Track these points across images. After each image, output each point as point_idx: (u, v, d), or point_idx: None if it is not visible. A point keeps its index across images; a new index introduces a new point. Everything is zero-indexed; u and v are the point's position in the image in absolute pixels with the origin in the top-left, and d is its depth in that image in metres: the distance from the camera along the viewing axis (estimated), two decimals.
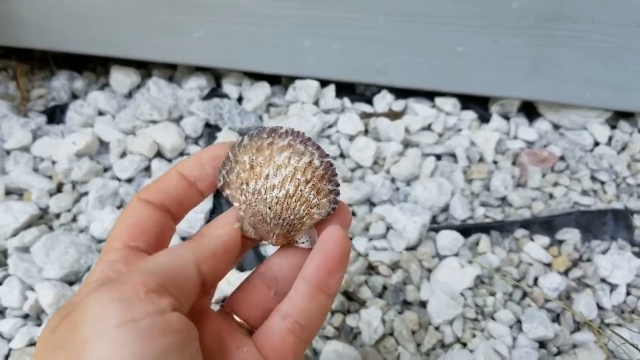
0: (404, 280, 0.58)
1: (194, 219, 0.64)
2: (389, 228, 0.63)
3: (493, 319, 0.56)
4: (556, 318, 0.56)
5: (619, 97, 0.69)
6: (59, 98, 0.82)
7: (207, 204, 0.65)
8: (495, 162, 0.71)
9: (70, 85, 0.84)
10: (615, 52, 0.65)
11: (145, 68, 0.86)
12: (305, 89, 0.76)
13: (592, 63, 0.67)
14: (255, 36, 0.73)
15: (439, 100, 0.75)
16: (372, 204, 0.66)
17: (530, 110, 0.76)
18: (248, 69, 0.76)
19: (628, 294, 0.59)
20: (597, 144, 0.72)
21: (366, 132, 0.74)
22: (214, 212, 0.66)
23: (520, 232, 0.62)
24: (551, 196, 0.67)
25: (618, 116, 0.73)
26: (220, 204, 0.65)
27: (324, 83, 0.78)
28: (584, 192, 0.67)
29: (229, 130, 0.72)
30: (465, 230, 0.63)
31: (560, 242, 0.62)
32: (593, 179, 0.68)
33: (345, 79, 0.75)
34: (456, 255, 0.60)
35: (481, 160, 0.71)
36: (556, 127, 0.74)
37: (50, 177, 0.71)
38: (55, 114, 0.80)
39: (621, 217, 0.64)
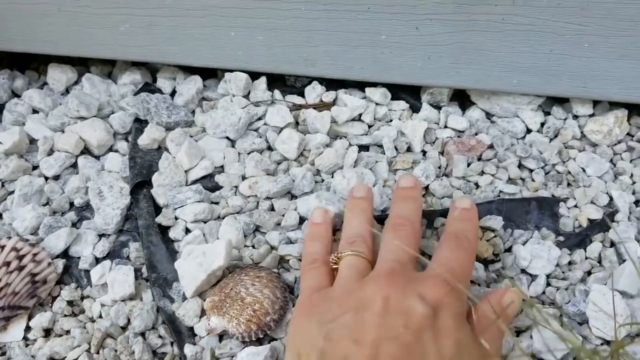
0: None
1: (109, 215, 0.63)
2: (304, 219, 0.61)
3: None
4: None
5: (547, 81, 0.67)
6: None
7: (124, 200, 0.64)
8: (424, 152, 0.69)
9: (11, 85, 0.83)
10: (539, 35, 0.63)
11: (84, 64, 0.85)
12: (235, 81, 0.75)
13: (516, 47, 0.65)
14: (180, 29, 0.72)
15: (368, 91, 0.73)
16: (294, 197, 0.65)
17: (463, 99, 0.74)
18: (176, 62, 0.75)
19: (548, 284, 0.58)
20: (529, 131, 0.70)
21: (297, 124, 0.73)
22: (130, 209, 0.65)
23: (440, 221, 0.61)
24: (477, 185, 0.65)
25: (552, 102, 0.72)
26: (137, 199, 0.64)
27: (255, 75, 0.76)
28: (511, 180, 0.65)
29: (155, 125, 0.71)
30: (384, 219, 0.61)
31: (484, 230, 0.61)
32: (521, 166, 0.66)
33: (275, 71, 0.74)
34: None
35: (409, 150, 0.69)
36: (489, 115, 0.72)
37: None
38: None
39: (546, 205, 0.62)
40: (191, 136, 0.72)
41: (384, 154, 0.68)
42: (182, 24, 0.71)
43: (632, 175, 0.66)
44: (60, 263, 0.61)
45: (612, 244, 0.60)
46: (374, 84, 0.74)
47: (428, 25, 0.66)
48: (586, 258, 0.59)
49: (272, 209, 0.63)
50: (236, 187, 0.65)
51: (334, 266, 0.50)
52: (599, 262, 0.59)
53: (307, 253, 0.54)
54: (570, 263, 0.59)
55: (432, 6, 0.64)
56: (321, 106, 0.73)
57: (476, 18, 0.64)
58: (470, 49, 0.66)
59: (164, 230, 0.62)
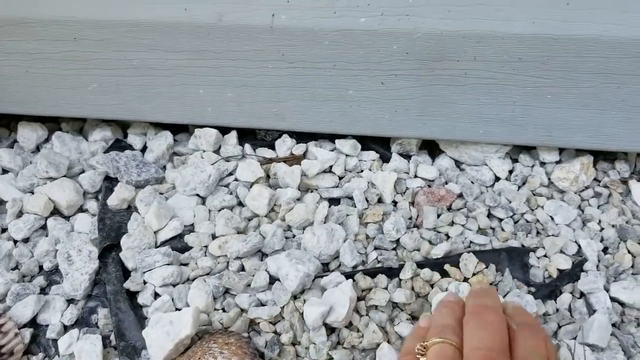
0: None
1: (77, 281, 0.62)
2: (275, 279, 0.61)
3: None
4: None
5: (513, 131, 0.68)
6: None
7: (92, 264, 0.64)
8: (395, 203, 0.69)
9: None
10: (502, 88, 0.64)
11: (55, 121, 0.85)
12: (205, 136, 0.75)
13: (480, 99, 0.66)
14: (148, 87, 0.72)
15: (338, 142, 0.74)
16: (265, 255, 0.65)
17: (432, 147, 0.75)
18: (145, 119, 0.76)
19: None
20: (497, 179, 0.71)
21: (268, 177, 0.73)
22: (99, 274, 0.64)
23: (409, 275, 0.61)
24: (447, 236, 0.65)
25: (519, 149, 0.72)
26: (105, 263, 0.64)
27: (226, 130, 0.77)
28: (481, 231, 0.65)
29: (125, 185, 0.71)
30: (353, 277, 0.61)
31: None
32: (490, 216, 0.67)
33: (245, 125, 0.74)
34: None
35: (380, 201, 0.69)
36: (458, 163, 0.73)
37: None
38: None
39: (516, 256, 0.62)
40: (161, 193, 0.71)
41: (355, 206, 0.68)
42: (150, 83, 0.72)
43: (600, 221, 0.66)
44: (27, 333, 0.60)
45: (582, 295, 0.60)
46: (343, 136, 0.75)
47: (393, 80, 0.66)
48: (557, 310, 0.59)
49: (242, 269, 0.63)
50: (206, 247, 0.65)
51: (420, 358, 0.44)
52: (570, 313, 0.59)
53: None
54: (545, 314, 0.59)
55: (396, 63, 0.65)
56: (292, 159, 0.73)
57: (440, 73, 0.65)
58: (436, 102, 0.67)
59: (132, 295, 0.61)
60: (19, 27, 0.69)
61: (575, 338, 0.56)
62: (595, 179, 0.70)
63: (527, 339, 0.43)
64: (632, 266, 0.62)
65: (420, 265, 0.61)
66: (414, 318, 0.59)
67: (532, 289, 0.60)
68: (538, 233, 0.65)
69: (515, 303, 0.51)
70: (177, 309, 0.59)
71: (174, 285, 0.61)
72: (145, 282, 0.62)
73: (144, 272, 0.62)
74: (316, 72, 0.68)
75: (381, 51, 0.64)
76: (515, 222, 0.66)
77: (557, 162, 0.70)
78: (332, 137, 0.75)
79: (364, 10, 0.63)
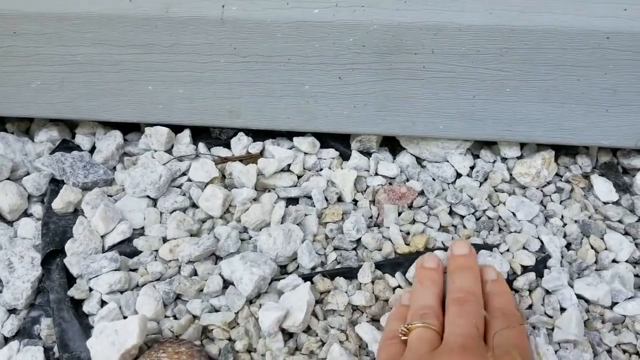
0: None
1: (19, 289, 0.58)
2: (230, 283, 0.58)
3: None
4: None
5: (473, 126, 0.66)
6: None
7: (35, 271, 0.60)
8: (355, 202, 0.67)
9: None
10: (461, 81, 0.63)
11: (0, 122, 0.80)
12: (156, 135, 0.71)
13: (439, 94, 0.64)
14: (94, 84, 0.68)
15: (296, 140, 0.71)
16: (219, 258, 0.62)
17: (393, 144, 0.73)
18: (93, 118, 0.72)
19: None
20: (459, 175, 0.69)
21: (223, 177, 0.70)
22: (42, 281, 0.60)
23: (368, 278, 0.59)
24: (408, 234, 0.63)
25: (480, 145, 0.71)
26: (49, 270, 0.60)
27: (179, 129, 0.73)
28: (443, 228, 0.64)
29: (70, 187, 0.67)
30: (311, 279, 0.58)
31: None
32: (452, 213, 0.65)
33: (198, 123, 0.71)
34: None
35: (340, 200, 0.67)
36: (419, 159, 0.71)
37: None
38: None
39: (477, 253, 0.61)
40: (110, 195, 0.68)
41: (314, 206, 0.66)
42: (96, 80, 0.68)
43: (562, 217, 0.65)
44: None
45: (547, 292, 0.58)
46: (302, 133, 0.72)
47: (351, 75, 0.64)
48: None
49: (194, 273, 0.60)
50: (156, 251, 0.62)
51: (402, 337, 0.48)
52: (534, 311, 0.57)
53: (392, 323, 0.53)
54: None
55: (352, 56, 0.63)
56: (248, 158, 0.71)
57: (398, 67, 0.63)
58: (395, 97, 0.65)
59: (77, 303, 0.58)
60: None
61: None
62: (557, 174, 0.69)
63: (502, 325, 0.48)
64: (596, 262, 0.60)
65: (380, 265, 0.59)
66: (374, 321, 0.56)
67: None
68: (500, 230, 0.63)
69: (490, 269, 0.56)
70: (124, 317, 0.56)
71: (121, 292, 0.58)
72: (91, 290, 0.58)
73: (90, 279, 0.58)
74: (270, 67, 0.65)
75: (337, 44, 0.62)
76: (477, 219, 0.64)
77: (519, 158, 0.69)
78: (290, 135, 0.73)
79: (317, 1, 0.61)
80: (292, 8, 0.61)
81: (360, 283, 0.58)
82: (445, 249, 0.61)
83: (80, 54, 0.66)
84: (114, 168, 0.73)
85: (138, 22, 0.63)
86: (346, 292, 0.58)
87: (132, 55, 0.66)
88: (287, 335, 0.55)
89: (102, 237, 0.63)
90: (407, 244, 0.61)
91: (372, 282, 0.58)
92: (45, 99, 0.71)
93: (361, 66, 0.63)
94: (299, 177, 0.70)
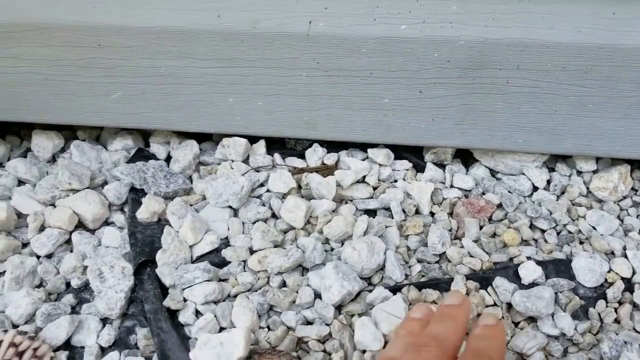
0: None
1: (113, 299, 0.60)
2: (317, 294, 0.59)
3: None
4: None
5: (552, 140, 0.67)
6: None
7: (127, 281, 0.61)
8: (432, 214, 0.68)
9: None
10: (544, 97, 0.64)
11: (70, 129, 0.82)
12: (234, 146, 0.73)
13: (521, 108, 0.65)
14: (175, 96, 0.69)
15: (371, 152, 0.72)
16: (305, 269, 0.63)
17: (466, 156, 0.74)
18: (172, 128, 0.73)
19: None
20: (535, 188, 0.70)
21: (299, 187, 0.71)
22: (134, 291, 0.61)
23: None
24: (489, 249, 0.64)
25: (556, 158, 0.72)
26: (141, 280, 0.61)
27: (253, 139, 0.75)
28: (525, 242, 0.65)
29: (153, 196, 0.69)
30: (399, 290, 0.60)
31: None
32: (533, 227, 0.66)
33: (275, 135, 0.72)
34: None
35: (417, 212, 0.68)
36: (493, 172, 0.72)
37: None
38: None
39: (563, 268, 0.61)
40: (191, 205, 0.69)
41: (392, 217, 0.67)
42: (177, 92, 0.69)
43: None
44: (63, 356, 0.57)
45: (634, 306, 0.59)
46: (375, 145, 0.73)
47: (432, 89, 0.65)
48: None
49: (284, 284, 0.61)
50: (244, 261, 0.63)
51: None
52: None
53: None
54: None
55: (435, 71, 0.64)
56: (324, 169, 0.72)
57: (481, 81, 0.64)
58: (475, 111, 0.66)
59: (172, 313, 0.59)
60: (38, 33, 0.66)
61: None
62: (632, 188, 0.70)
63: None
64: None
65: (468, 278, 0.60)
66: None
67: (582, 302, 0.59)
68: (581, 243, 0.64)
69: (489, 316, 0.50)
70: (221, 328, 0.57)
71: (215, 303, 0.59)
72: (185, 300, 0.59)
73: (183, 289, 0.60)
74: (352, 81, 0.66)
75: (421, 59, 0.63)
76: (558, 234, 0.65)
77: (594, 172, 0.70)
78: (362, 146, 0.74)
79: (405, 17, 0.62)
80: (379, 24, 0.62)
81: None
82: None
83: (164, 67, 0.67)
84: (190, 177, 0.74)
85: (225, 36, 0.64)
86: (435, 302, 0.59)
87: (216, 68, 0.67)
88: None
89: (191, 247, 0.64)
90: (488, 260, 0.62)
91: (467, 294, 0.59)
92: (125, 110, 0.72)
93: (444, 80, 0.64)
94: (374, 188, 0.71)
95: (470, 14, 0.61)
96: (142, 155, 0.76)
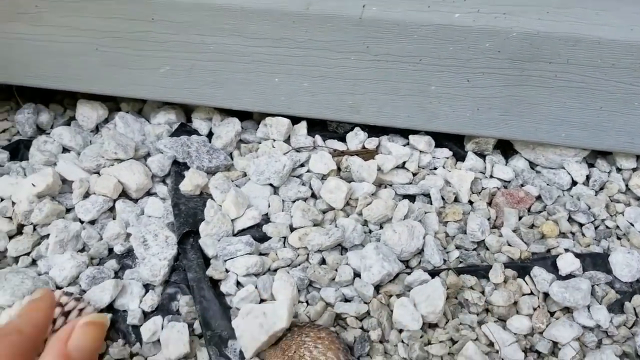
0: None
1: (156, 266, 0.61)
2: (357, 273, 0.60)
3: None
4: None
5: (595, 136, 0.67)
6: (23, 132, 0.80)
7: (171, 250, 0.63)
8: (471, 203, 0.69)
9: (35, 119, 0.81)
10: (591, 92, 0.64)
11: (113, 101, 0.83)
12: (276, 126, 0.74)
13: (567, 103, 0.65)
14: (222, 73, 0.70)
15: (412, 138, 0.73)
16: (344, 249, 0.64)
17: (505, 147, 0.74)
18: (216, 105, 0.74)
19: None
20: (574, 183, 0.70)
21: (339, 170, 0.72)
22: (177, 260, 0.63)
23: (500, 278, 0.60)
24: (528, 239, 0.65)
25: (596, 154, 0.72)
26: (185, 250, 0.63)
27: (295, 120, 0.76)
28: (562, 235, 0.65)
29: (196, 170, 0.70)
30: (438, 275, 0.60)
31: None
32: (571, 220, 0.66)
33: (318, 116, 0.73)
34: None
35: (456, 200, 0.69)
36: (532, 165, 0.72)
37: (10, 219, 0.68)
38: (19, 150, 0.77)
39: (600, 262, 0.62)
40: (232, 180, 0.70)
41: (431, 203, 0.68)
42: (225, 69, 0.70)
43: None
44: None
45: None
46: (416, 131, 0.74)
47: (480, 78, 0.66)
48: None
49: (323, 262, 0.62)
50: (285, 237, 0.64)
51: None
52: None
53: None
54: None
55: (485, 60, 0.64)
56: (364, 153, 0.73)
57: (529, 74, 0.64)
58: (521, 102, 0.66)
59: (214, 283, 0.60)
60: (93, 3, 0.68)
61: None
62: None
63: None
64: None
65: (507, 266, 0.61)
66: (500, 320, 0.58)
67: (618, 296, 0.60)
68: (618, 238, 0.65)
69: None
70: (261, 300, 0.59)
71: (256, 275, 0.60)
72: (227, 271, 0.61)
73: (226, 261, 0.61)
74: (400, 66, 0.67)
75: (472, 48, 0.64)
76: (596, 228, 0.65)
77: (634, 170, 0.70)
78: (403, 132, 0.75)
79: (459, 5, 0.62)
80: (433, 11, 0.63)
81: (495, 283, 0.59)
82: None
83: (214, 44, 0.68)
84: (231, 154, 0.75)
85: (277, 16, 0.65)
86: (472, 288, 0.60)
87: (265, 48, 0.68)
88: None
89: (233, 220, 0.65)
90: (527, 250, 0.63)
91: (505, 282, 0.59)
92: (172, 84, 0.73)
93: (492, 71, 0.65)
94: (414, 174, 0.72)
95: (525, 6, 0.61)
96: (184, 130, 0.77)
